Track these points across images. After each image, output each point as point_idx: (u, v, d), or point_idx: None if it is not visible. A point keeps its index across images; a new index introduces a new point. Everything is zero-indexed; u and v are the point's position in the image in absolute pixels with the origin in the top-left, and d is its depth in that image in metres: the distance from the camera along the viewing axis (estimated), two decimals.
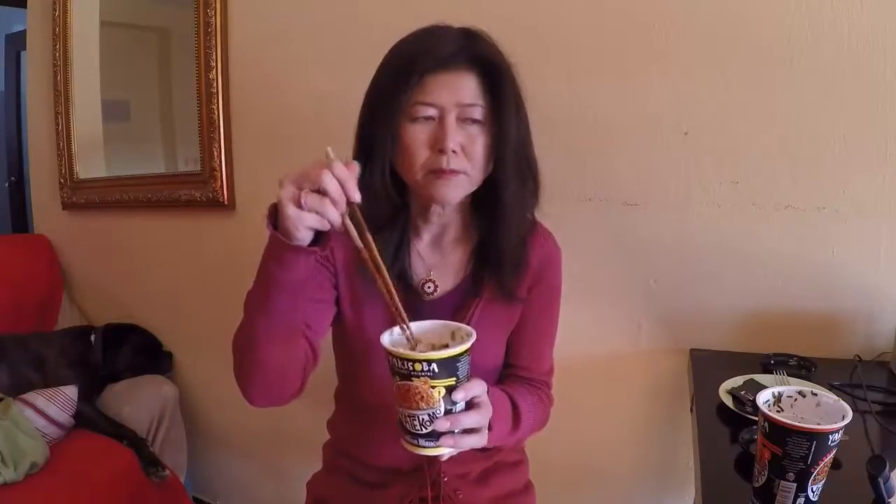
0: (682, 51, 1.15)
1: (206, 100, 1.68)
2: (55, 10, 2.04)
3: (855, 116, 1.06)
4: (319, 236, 0.64)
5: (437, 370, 0.62)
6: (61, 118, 2.09)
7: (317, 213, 0.59)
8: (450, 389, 0.64)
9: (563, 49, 1.25)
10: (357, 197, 0.60)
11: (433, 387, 0.63)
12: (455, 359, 0.64)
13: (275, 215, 0.62)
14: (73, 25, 2.03)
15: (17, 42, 3.64)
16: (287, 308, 0.69)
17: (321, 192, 0.59)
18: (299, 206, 0.59)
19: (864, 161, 1.07)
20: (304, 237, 0.62)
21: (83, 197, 2.10)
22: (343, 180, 0.59)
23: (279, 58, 1.60)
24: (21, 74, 3.69)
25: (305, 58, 1.55)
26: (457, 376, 0.64)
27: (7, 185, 3.93)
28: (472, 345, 0.65)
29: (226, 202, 1.73)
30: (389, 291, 0.67)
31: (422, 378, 0.63)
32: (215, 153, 1.70)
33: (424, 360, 0.62)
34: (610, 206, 1.25)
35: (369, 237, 0.63)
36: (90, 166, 2.11)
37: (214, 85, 1.67)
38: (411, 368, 0.62)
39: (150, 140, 2.13)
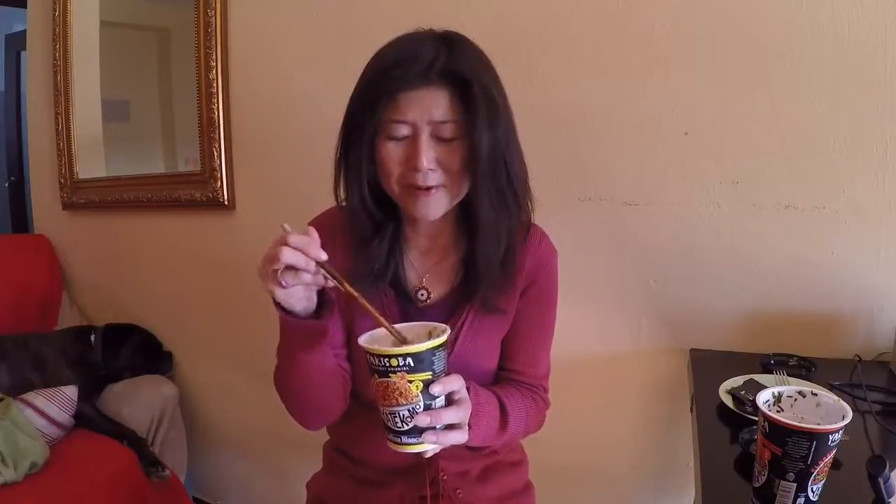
0: (683, 51, 1.15)
1: (206, 100, 1.69)
2: (55, 10, 2.04)
3: (855, 116, 1.06)
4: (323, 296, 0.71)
5: (412, 364, 0.65)
6: (61, 118, 2.09)
7: (299, 284, 0.65)
8: (427, 384, 0.66)
9: (563, 49, 1.25)
10: (321, 257, 0.65)
11: (410, 381, 0.65)
12: (430, 352, 0.65)
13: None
14: (73, 25, 2.03)
15: (17, 42, 3.64)
16: (314, 359, 0.76)
17: (291, 267, 0.64)
18: (282, 286, 0.64)
19: (863, 161, 1.07)
20: (305, 306, 0.69)
21: (83, 197, 2.10)
22: (302, 248, 0.64)
23: (279, 58, 1.60)
24: (21, 74, 3.69)
25: (305, 58, 1.55)
26: (433, 370, 0.66)
27: (7, 185, 3.93)
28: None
29: (226, 202, 1.73)
30: (377, 319, 0.69)
31: (398, 373, 0.65)
32: (215, 153, 1.70)
33: (400, 355, 0.64)
34: (610, 205, 1.25)
35: (348, 286, 0.67)
36: (90, 166, 2.11)
37: (214, 85, 1.67)
38: (388, 364, 0.65)
39: (150, 140, 2.13)
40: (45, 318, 2.06)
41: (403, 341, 0.69)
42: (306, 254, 0.64)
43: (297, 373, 0.77)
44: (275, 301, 0.68)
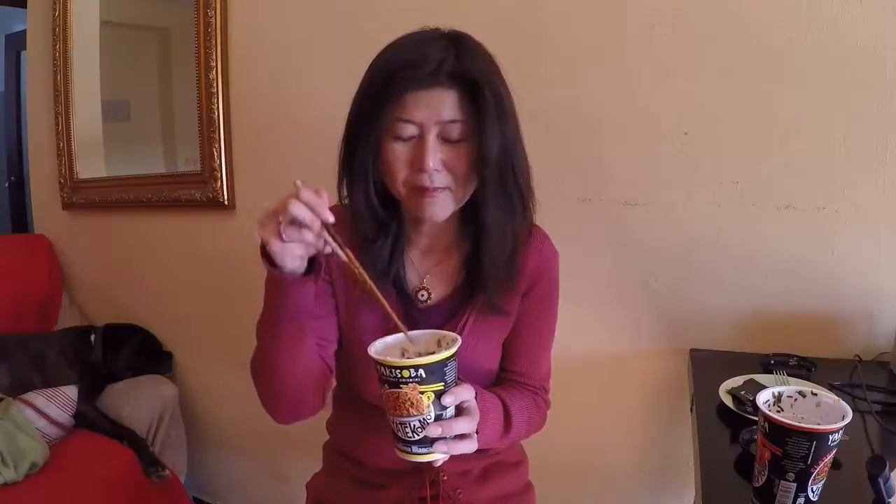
0: (683, 51, 1.15)
1: (206, 100, 1.69)
2: (55, 10, 2.04)
3: (855, 116, 1.06)
4: (313, 261, 0.68)
5: (424, 375, 0.64)
6: (61, 118, 2.09)
7: (300, 241, 0.63)
8: (438, 395, 0.65)
9: (563, 49, 1.25)
10: (329, 218, 0.63)
11: (422, 392, 0.64)
12: (442, 363, 0.65)
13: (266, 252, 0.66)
14: (73, 25, 2.03)
15: (17, 42, 3.63)
16: (296, 333, 0.73)
17: (297, 223, 0.62)
18: (282, 239, 0.62)
19: (864, 161, 1.07)
20: (297, 266, 0.66)
21: (83, 197, 2.10)
22: (312, 205, 0.62)
23: (279, 58, 1.60)
24: (21, 74, 3.69)
25: (305, 58, 1.55)
26: (444, 381, 0.65)
27: (7, 185, 3.93)
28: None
29: (226, 202, 1.73)
30: (377, 298, 0.68)
31: (410, 384, 0.64)
32: (215, 153, 1.70)
33: (412, 367, 0.63)
34: (610, 206, 1.25)
35: (348, 252, 0.66)
36: (90, 166, 2.11)
37: (214, 85, 1.67)
38: (399, 375, 0.64)
39: (150, 140, 2.13)
40: (45, 318, 2.06)
41: (399, 326, 0.68)
42: (314, 212, 0.62)
43: (276, 348, 0.74)
44: (264, 254, 0.65)
